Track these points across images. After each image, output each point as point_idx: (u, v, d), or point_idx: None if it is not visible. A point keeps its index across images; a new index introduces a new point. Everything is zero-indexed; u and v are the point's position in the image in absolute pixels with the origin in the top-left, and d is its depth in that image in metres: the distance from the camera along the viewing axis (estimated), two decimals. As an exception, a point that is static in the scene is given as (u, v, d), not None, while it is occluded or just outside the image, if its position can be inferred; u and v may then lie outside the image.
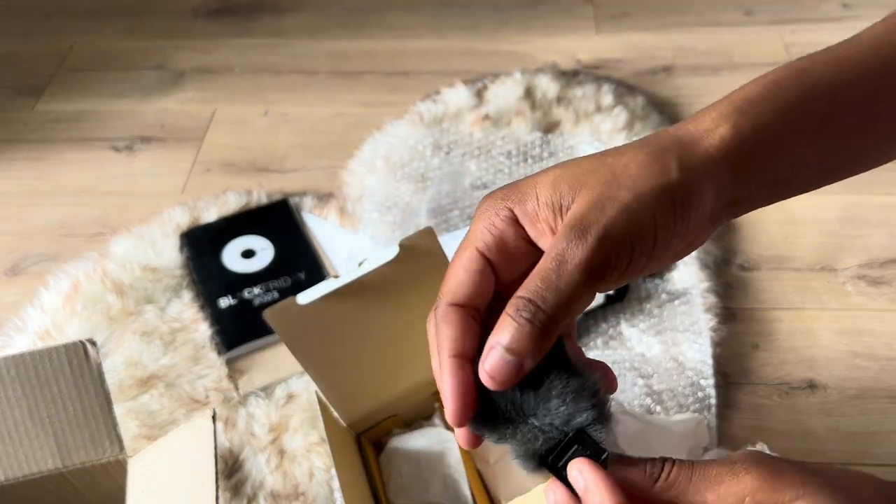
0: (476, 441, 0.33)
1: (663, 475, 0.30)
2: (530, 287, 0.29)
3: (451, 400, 0.31)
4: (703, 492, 0.29)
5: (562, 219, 0.31)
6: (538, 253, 0.32)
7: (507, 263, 0.33)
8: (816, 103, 0.34)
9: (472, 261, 0.32)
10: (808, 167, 0.36)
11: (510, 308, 0.30)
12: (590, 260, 0.29)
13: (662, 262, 0.32)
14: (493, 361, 0.30)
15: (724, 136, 0.32)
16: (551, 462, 0.32)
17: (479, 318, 0.32)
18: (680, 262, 0.85)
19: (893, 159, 0.39)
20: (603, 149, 0.36)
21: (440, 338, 0.32)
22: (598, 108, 1.04)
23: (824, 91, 0.34)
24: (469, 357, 0.31)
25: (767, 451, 0.63)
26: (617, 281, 0.31)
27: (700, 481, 0.29)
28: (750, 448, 0.66)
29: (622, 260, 0.30)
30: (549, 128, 1.03)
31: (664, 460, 0.31)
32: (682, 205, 0.30)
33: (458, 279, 0.32)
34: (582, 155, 0.35)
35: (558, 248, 0.29)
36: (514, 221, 0.32)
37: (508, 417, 0.32)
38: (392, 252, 0.57)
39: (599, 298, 0.78)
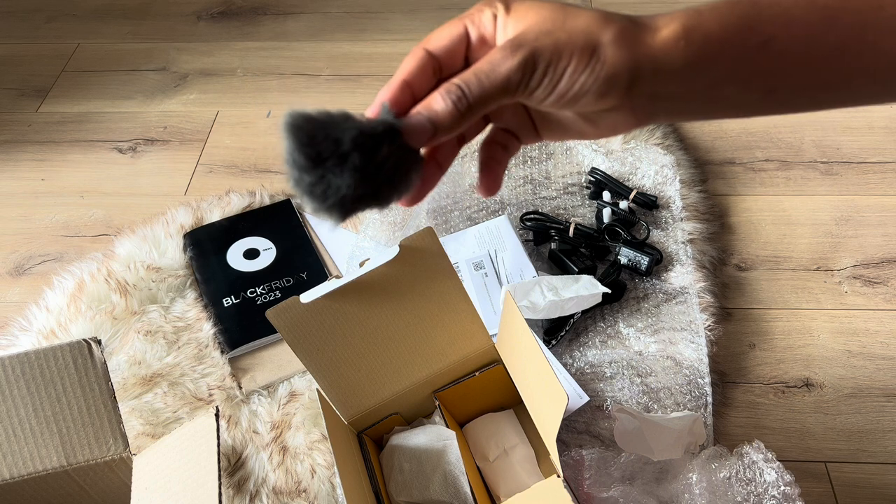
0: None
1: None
2: (464, 77, 0.36)
3: (380, 94, 0.38)
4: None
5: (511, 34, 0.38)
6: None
7: (480, 47, 0.40)
8: (761, 25, 0.37)
9: (457, 28, 0.39)
10: (745, 85, 0.39)
11: (442, 88, 0.37)
12: (510, 70, 0.36)
13: (570, 106, 0.38)
14: (413, 121, 0.37)
15: (666, 35, 0.37)
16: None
17: (440, 72, 0.39)
18: (677, 262, 0.86)
19: (829, 107, 0.41)
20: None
21: (402, 64, 0.39)
22: (597, 110, 1.04)
23: (769, 18, 0.37)
24: (413, 89, 0.38)
25: (763, 449, 0.63)
26: (526, 100, 0.38)
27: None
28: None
29: (535, 80, 0.37)
30: (549, 129, 1.03)
31: None
32: (598, 60, 0.36)
33: (440, 34, 0.39)
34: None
35: (495, 54, 0.36)
36: (495, 19, 0.39)
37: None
38: (393, 252, 0.58)
39: (598, 298, 0.79)
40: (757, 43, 0.37)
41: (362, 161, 0.36)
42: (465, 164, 0.99)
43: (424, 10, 1.31)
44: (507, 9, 0.39)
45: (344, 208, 0.37)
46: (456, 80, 0.36)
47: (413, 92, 0.38)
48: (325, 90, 1.16)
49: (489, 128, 0.44)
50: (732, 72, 0.38)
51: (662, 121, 0.40)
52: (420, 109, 0.37)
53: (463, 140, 0.42)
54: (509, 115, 0.43)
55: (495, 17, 0.39)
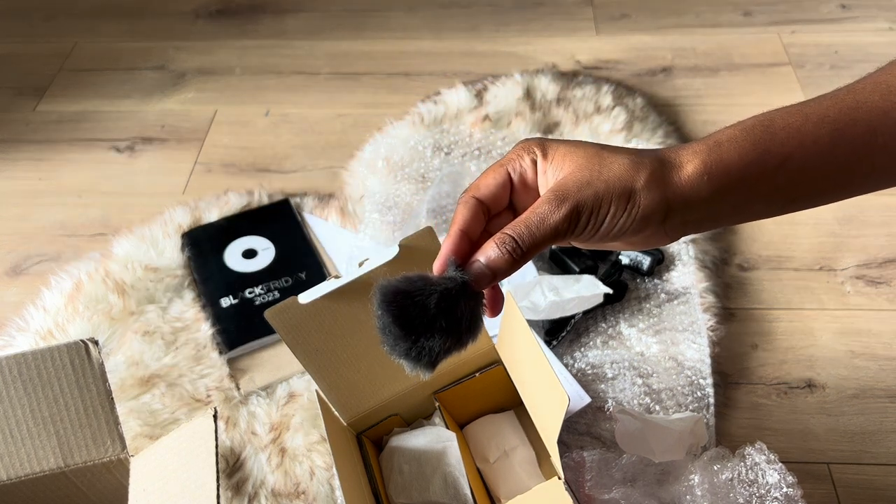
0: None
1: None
2: (515, 229, 0.41)
3: (445, 248, 0.43)
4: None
5: (553, 181, 0.43)
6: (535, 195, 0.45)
7: (522, 189, 0.45)
8: (777, 147, 0.42)
9: (500, 175, 0.44)
10: (767, 200, 0.43)
11: (497, 238, 0.41)
12: (558, 222, 0.41)
13: (613, 241, 0.43)
14: (476, 271, 0.42)
15: (690, 171, 0.42)
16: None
17: (488, 214, 0.44)
18: (679, 262, 0.86)
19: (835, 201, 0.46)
20: None
21: (456, 215, 0.44)
22: (598, 109, 1.04)
23: (783, 140, 0.42)
24: (470, 236, 0.43)
25: (766, 451, 0.63)
26: (573, 241, 0.43)
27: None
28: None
29: (580, 228, 0.41)
30: (549, 128, 1.03)
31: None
32: (635, 205, 0.41)
33: (487, 182, 0.44)
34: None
35: (542, 207, 0.41)
36: (534, 164, 0.44)
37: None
38: (392, 252, 0.58)
39: (599, 298, 0.78)
40: (775, 165, 0.42)
41: (448, 322, 0.41)
42: (466, 164, 0.99)
43: (424, 8, 1.30)
44: (545, 154, 0.44)
45: (434, 362, 0.42)
46: (508, 230, 0.41)
47: (469, 238, 0.43)
48: (324, 89, 1.16)
49: None
50: (754, 192, 0.42)
51: (691, 233, 0.46)
52: (479, 257, 0.42)
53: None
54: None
55: (534, 162, 0.44)
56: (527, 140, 0.45)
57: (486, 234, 0.45)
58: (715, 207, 0.42)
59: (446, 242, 0.43)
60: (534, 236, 0.41)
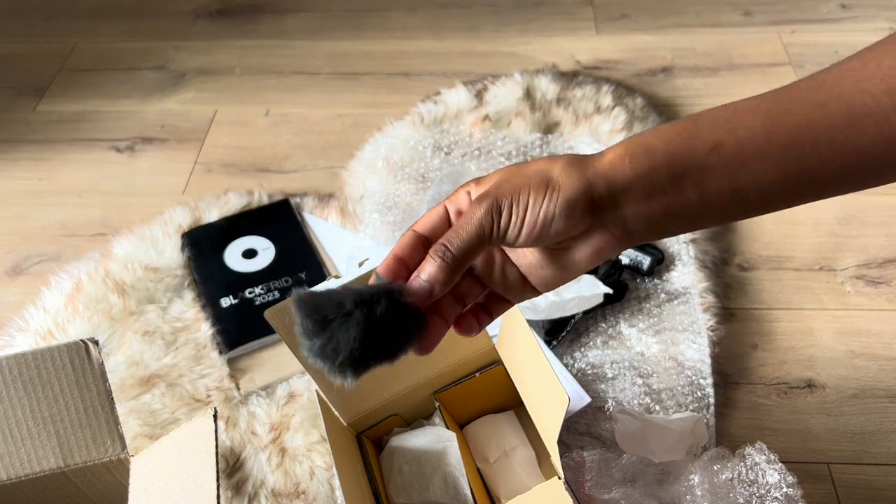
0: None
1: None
2: (445, 236, 0.42)
3: (384, 262, 0.43)
4: None
5: None
6: None
7: (457, 220, 0.45)
8: (704, 134, 0.41)
9: (438, 210, 0.46)
10: (701, 186, 0.41)
11: (431, 251, 0.42)
12: (480, 218, 0.41)
13: (546, 236, 0.42)
14: (414, 284, 0.42)
15: (611, 156, 0.41)
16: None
17: (426, 244, 0.44)
18: (679, 262, 0.86)
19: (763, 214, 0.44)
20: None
21: (396, 244, 0.44)
22: (598, 109, 1.04)
23: (711, 128, 0.41)
24: (405, 262, 0.43)
25: (766, 451, 0.63)
26: (503, 239, 0.42)
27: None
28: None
29: (503, 221, 0.41)
30: (549, 128, 1.03)
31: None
32: (553, 189, 0.41)
33: (425, 217, 0.46)
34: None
35: (467, 211, 0.42)
36: (469, 197, 0.45)
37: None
38: (392, 252, 0.57)
39: (599, 298, 0.78)
40: (705, 150, 0.41)
41: (364, 316, 0.40)
42: (466, 164, 0.99)
43: (424, 8, 1.30)
44: (478, 183, 0.44)
45: (354, 363, 0.40)
46: (439, 242, 0.42)
47: (406, 265, 0.43)
48: (324, 88, 1.16)
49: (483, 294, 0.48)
50: (685, 174, 0.41)
51: (644, 237, 0.43)
52: (416, 273, 0.42)
53: (463, 300, 0.46)
54: (504, 277, 0.46)
55: (469, 193, 0.45)
56: (471, 180, 0.46)
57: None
58: (643, 192, 0.41)
59: (378, 265, 0.44)
60: (461, 238, 0.41)
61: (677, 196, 0.41)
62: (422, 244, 0.44)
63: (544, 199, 0.41)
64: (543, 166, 0.42)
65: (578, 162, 0.42)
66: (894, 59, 0.39)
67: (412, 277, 0.42)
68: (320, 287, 0.43)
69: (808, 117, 0.40)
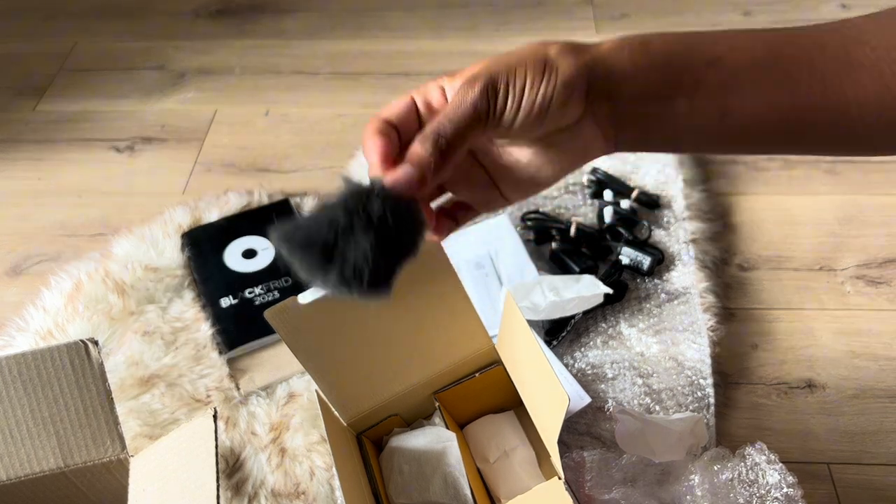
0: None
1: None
2: (435, 121, 0.38)
3: (374, 150, 0.40)
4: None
5: None
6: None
7: (428, 114, 0.42)
8: (705, 46, 0.40)
9: (404, 99, 0.42)
10: (693, 98, 0.40)
11: (419, 137, 0.39)
12: (475, 99, 0.38)
13: (542, 123, 0.39)
14: (398, 172, 0.38)
15: (609, 45, 0.39)
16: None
17: (399, 135, 0.41)
18: (679, 262, 0.86)
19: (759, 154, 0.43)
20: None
21: (366, 127, 0.41)
22: (598, 109, 1.04)
23: (713, 41, 0.40)
24: (385, 134, 0.40)
25: (766, 451, 0.63)
26: (498, 124, 0.39)
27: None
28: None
29: (500, 102, 0.38)
30: (549, 128, 1.03)
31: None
32: (551, 70, 0.38)
33: (391, 107, 0.42)
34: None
35: (457, 94, 0.39)
36: (442, 91, 0.42)
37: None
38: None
39: (599, 298, 0.78)
40: (704, 61, 0.39)
41: (365, 221, 0.36)
42: (465, 163, 0.99)
43: (424, 8, 1.30)
44: (452, 77, 0.41)
45: (380, 276, 0.37)
46: (428, 127, 0.38)
47: (393, 127, 0.41)
48: (324, 88, 1.15)
49: (445, 197, 0.46)
50: (679, 84, 0.39)
51: (626, 146, 0.42)
52: (405, 161, 0.38)
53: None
54: (470, 182, 0.44)
55: (442, 88, 0.41)
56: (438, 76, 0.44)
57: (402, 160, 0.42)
58: (638, 85, 0.39)
59: (368, 143, 0.40)
60: (453, 122, 0.38)
61: (668, 103, 0.40)
62: (394, 129, 0.41)
63: (543, 79, 0.38)
64: (537, 47, 0.39)
65: (574, 46, 0.39)
66: None
67: (396, 168, 0.39)
68: (296, 218, 0.38)
69: (808, 55, 0.39)
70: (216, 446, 0.56)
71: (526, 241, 0.89)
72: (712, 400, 0.74)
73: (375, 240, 0.36)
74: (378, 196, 0.37)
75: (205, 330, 0.82)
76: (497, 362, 0.69)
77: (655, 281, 0.85)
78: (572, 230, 0.87)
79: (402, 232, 0.37)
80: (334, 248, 0.36)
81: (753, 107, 0.40)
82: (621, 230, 0.87)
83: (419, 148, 0.38)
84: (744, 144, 0.42)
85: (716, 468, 0.63)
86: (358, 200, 0.36)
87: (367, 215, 0.36)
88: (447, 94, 0.41)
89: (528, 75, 0.38)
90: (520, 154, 0.42)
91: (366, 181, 0.38)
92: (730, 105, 0.40)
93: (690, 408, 0.74)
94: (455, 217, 0.45)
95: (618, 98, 0.40)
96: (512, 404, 0.73)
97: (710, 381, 0.76)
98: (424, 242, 0.40)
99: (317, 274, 0.36)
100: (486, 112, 0.38)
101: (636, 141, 0.42)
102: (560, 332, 0.80)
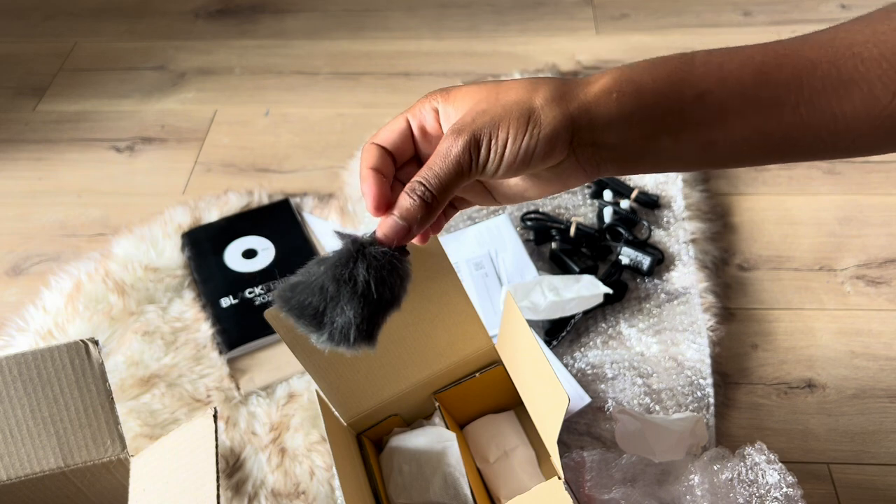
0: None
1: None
2: (422, 173, 0.40)
3: (369, 195, 0.42)
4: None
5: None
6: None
7: (422, 138, 0.45)
8: (694, 79, 0.40)
9: (399, 122, 0.44)
10: (677, 136, 0.41)
11: (407, 188, 0.40)
12: (458, 154, 0.39)
13: (524, 169, 0.41)
14: (387, 224, 0.40)
15: (598, 88, 0.40)
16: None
17: (394, 161, 0.44)
18: (679, 262, 0.86)
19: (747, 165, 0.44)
20: None
21: (363, 158, 0.43)
22: (598, 109, 1.04)
23: (702, 74, 0.40)
24: (382, 173, 0.42)
25: (766, 451, 0.63)
26: (484, 177, 0.41)
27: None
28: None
29: (482, 157, 0.40)
30: (549, 128, 1.03)
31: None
32: (535, 124, 0.39)
33: (385, 130, 0.44)
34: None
35: (443, 144, 0.40)
36: (436, 113, 0.43)
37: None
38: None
39: (599, 298, 0.78)
40: (692, 97, 0.40)
41: (350, 289, 0.40)
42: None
43: (424, 8, 1.30)
44: (446, 99, 0.42)
45: (366, 333, 0.41)
46: (415, 178, 0.40)
47: (383, 175, 0.42)
48: (324, 88, 1.15)
49: None
50: (665, 123, 0.40)
51: (610, 172, 0.43)
52: (392, 212, 0.41)
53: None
54: (465, 187, 0.45)
55: (436, 110, 0.43)
56: (434, 91, 0.44)
57: (398, 186, 0.44)
58: (623, 133, 0.40)
59: (362, 184, 0.42)
60: (438, 175, 0.40)
61: (651, 141, 0.41)
62: (389, 157, 0.43)
63: (526, 133, 0.39)
64: (523, 96, 0.40)
65: (562, 94, 0.40)
66: (889, 25, 0.39)
67: (386, 216, 0.41)
68: (294, 277, 0.42)
69: (798, 77, 0.39)
70: (216, 446, 0.56)
71: (526, 241, 0.89)
72: (712, 400, 0.74)
73: (360, 306, 0.40)
74: (363, 254, 0.40)
75: (205, 330, 0.82)
76: (497, 362, 0.69)
77: (655, 281, 0.85)
78: (572, 230, 0.87)
79: (385, 290, 0.41)
80: (324, 314, 0.41)
81: (737, 136, 0.40)
82: (621, 230, 0.87)
83: (406, 201, 0.40)
84: (725, 166, 0.43)
85: (715, 468, 0.63)
86: (345, 267, 0.40)
87: (354, 281, 0.40)
88: (441, 117, 0.43)
89: (510, 129, 0.39)
90: (506, 177, 0.44)
91: (357, 234, 0.42)
92: (714, 138, 0.41)
93: (690, 408, 0.74)
94: (453, 203, 0.47)
95: (601, 145, 0.41)
96: (512, 404, 0.73)
97: (709, 381, 0.76)
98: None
99: (311, 334, 0.41)
100: (468, 166, 0.40)
101: (617, 171, 0.43)
102: (560, 332, 0.80)
